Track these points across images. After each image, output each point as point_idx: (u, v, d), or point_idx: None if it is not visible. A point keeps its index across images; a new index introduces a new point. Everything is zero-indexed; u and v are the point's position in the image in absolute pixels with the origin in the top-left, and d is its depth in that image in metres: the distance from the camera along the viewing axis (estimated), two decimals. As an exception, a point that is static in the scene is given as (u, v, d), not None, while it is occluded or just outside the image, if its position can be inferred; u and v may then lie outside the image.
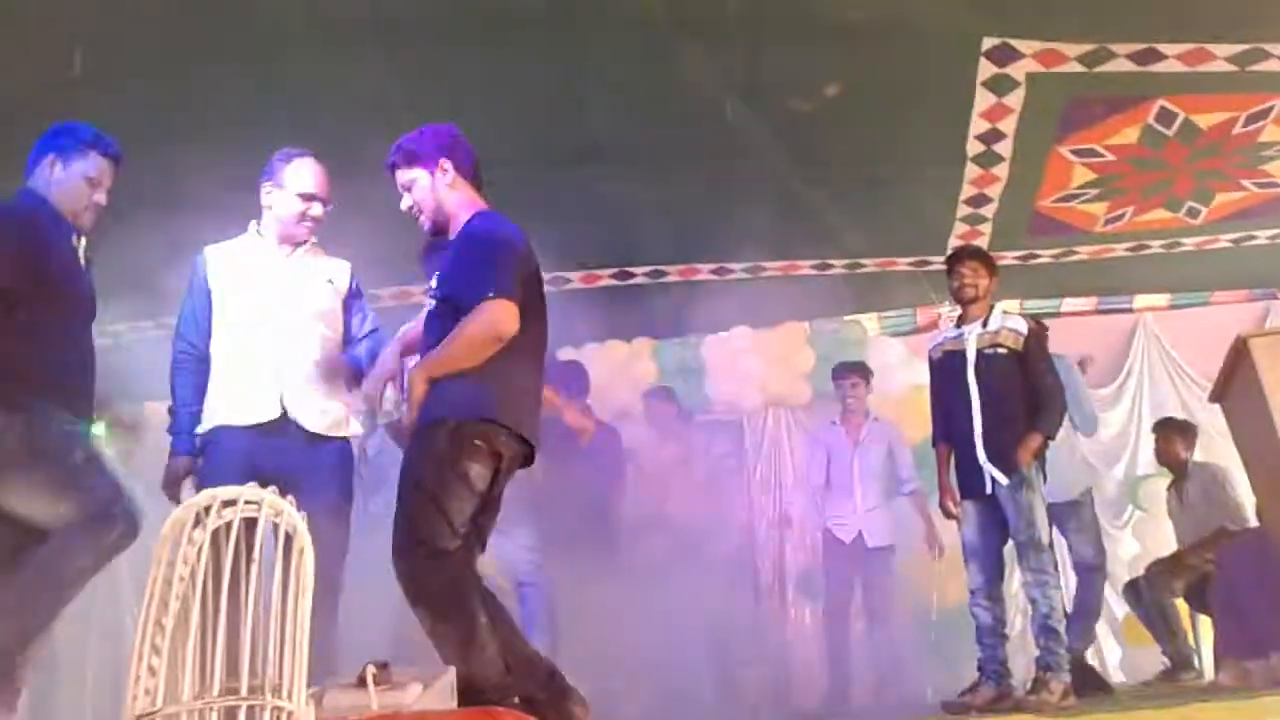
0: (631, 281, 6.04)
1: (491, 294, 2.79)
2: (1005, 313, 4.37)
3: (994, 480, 4.10)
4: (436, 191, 3.02)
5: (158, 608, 0.96)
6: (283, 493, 1.09)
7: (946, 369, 4.36)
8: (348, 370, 3.31)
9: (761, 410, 6.66)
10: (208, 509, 1.00)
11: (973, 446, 4.17)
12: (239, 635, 0.97)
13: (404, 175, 3.03)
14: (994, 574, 4.19)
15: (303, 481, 2.88)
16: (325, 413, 3.28)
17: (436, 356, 2.84)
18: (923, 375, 6.08)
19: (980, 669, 4.12)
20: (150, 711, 0.92)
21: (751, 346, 6.53)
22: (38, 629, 2.68)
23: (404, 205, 3.05)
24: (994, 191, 5.49)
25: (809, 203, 5.48)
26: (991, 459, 4.11)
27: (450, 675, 2.03)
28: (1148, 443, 5.93)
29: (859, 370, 5.79)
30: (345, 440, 3.33)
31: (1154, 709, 3.45)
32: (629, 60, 4.44)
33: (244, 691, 0.94)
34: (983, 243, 5.76)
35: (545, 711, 2.45)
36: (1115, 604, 5.78)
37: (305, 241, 3.40)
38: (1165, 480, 5.60)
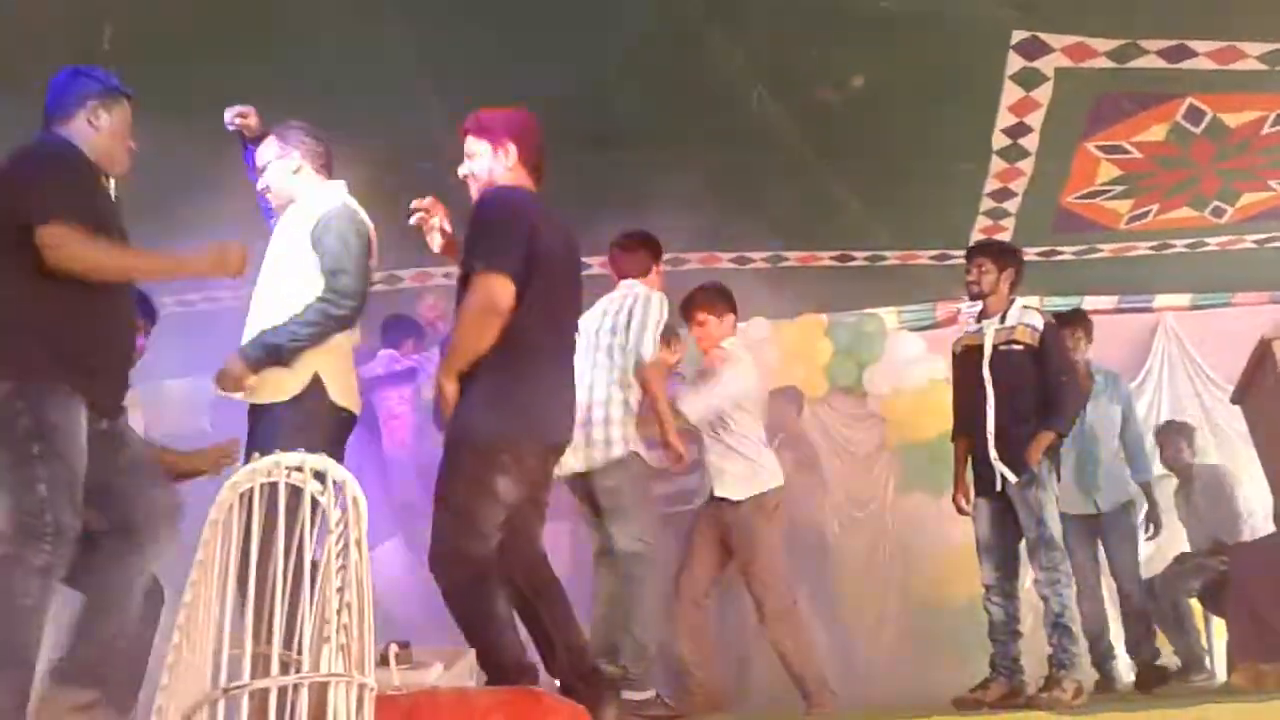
0: (651, 269, 6.02)
1: (481, 266, 2.84)
2: (1025, 308, 4.33)
3: (1004, 478, 4.09)
4: (493, 169, 3.10)
5: (235, 580, 0.96)
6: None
7: (965, 364, 4.35)
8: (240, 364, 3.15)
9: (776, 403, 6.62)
10: (265, 474, 1.00)
11: (985, 443, 4.15)
12: (301, 609, 0.97)
13: (471, 144, 3.13)
14: (1007, 571, 4.18)
15: None
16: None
17: (450, 350, 2.91)
18: (940, 370, 6.10)
19: (992, 665, 4.12)
20: (239, 685, 0.92)
21: (769, 337, 6.50)
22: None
23: (460, 171, 3.14)
24: (1018, 186, 5.47)
25: (832, 194, 5.47)
26: (1003, 456, 4.09)
27: (470, 656, 2.04)
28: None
29: None
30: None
31: (1167, 709, 3.44)
32: (654, 45, 4.43)
33: (330, 666, 0.94)
34: (1004, 237, 5.72)
35: (579, 700, 2.49)
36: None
37: (289, 200, 3.37)
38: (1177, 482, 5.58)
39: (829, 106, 4.85)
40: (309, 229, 3.22)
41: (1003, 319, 4.28)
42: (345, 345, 3.27)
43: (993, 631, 4.14)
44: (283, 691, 0.94)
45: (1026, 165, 5.29)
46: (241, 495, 1.00)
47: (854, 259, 6.14)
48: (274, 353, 3.10)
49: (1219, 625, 5.13)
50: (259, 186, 3.41)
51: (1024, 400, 4.14)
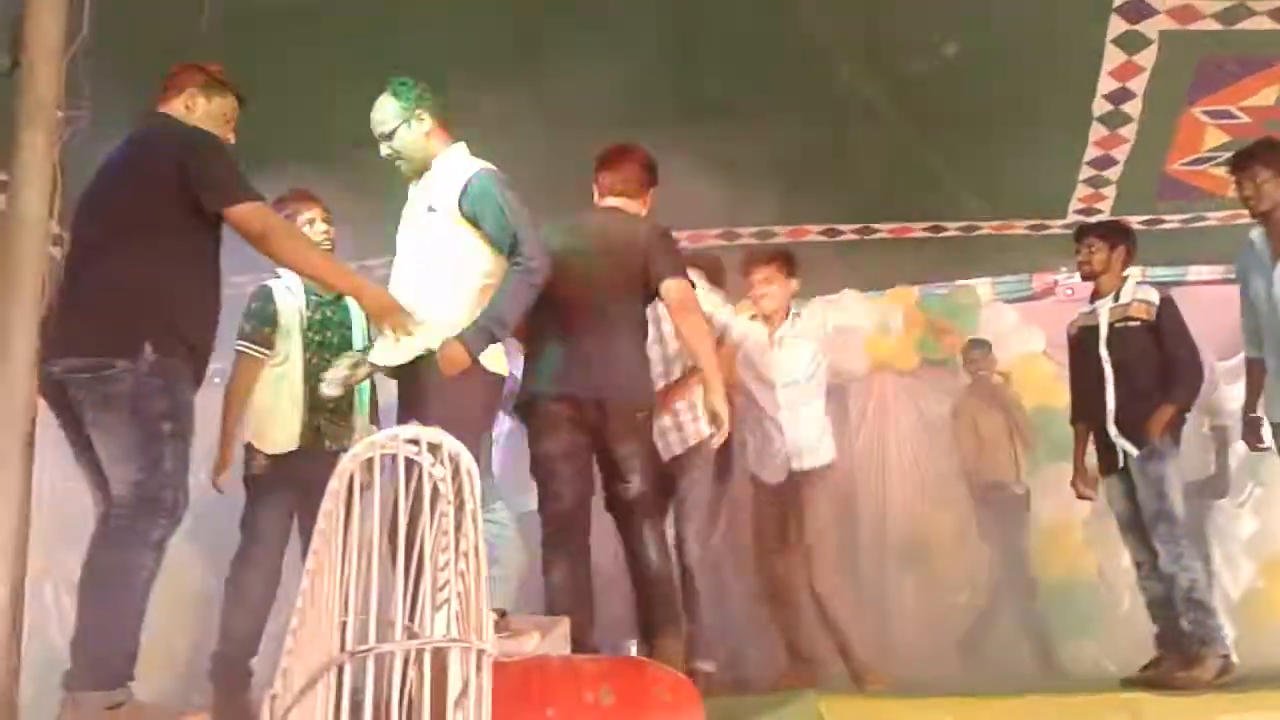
0: (738, 242, 6.00)
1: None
2: (1140, 284, 4.29)
3: (1126, 454, 4.06)
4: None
5: (361, 545, 1.01)
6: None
7: (1082, 345, 4.32)
8: (463, 350, 3.18)
9: (867, 376, 6.57)
10: (383, 447, 1.05)
11: (1106, 421, 4.13)
12: (420, 579, 1.02)
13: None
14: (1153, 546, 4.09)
15: None
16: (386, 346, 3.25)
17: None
18: (1037, 343, 5.99)
19: (1160, 643, 4.05)
20: (365, 648, 0.97)
21: (859, 310, 6.44)
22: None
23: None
24: (1120, 154, 5.31)
25: (925, 164, 5.37)
26: (1125, 433, 4.06)
27: (564, 625, 2.09)
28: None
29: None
30: None
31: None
32: (743, 14, 4.40)
33: (449, 632, 0.99)
34: (1105, 206, 5.59)
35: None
36: (1230, 583, 5.65)
37: (423, 166, 3.37)
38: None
39: (922, 75, 4.76)
40: (454, 198, 3.20)
41: (1116, 297, 4.24)
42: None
43: (1153, 608, 4.08)
44: (405, 657, 0.99)
45: (1129, 131, 5.14)
46: (362, 465, 1.05)
47: (946, 230, 6.03)
48: (492, 337, 3.15)
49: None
50: (383, 153, 3.32)
51: (1144, 376, 4.11)
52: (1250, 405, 4.15)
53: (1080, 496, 4.36)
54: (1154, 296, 4.19)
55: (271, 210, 2.92)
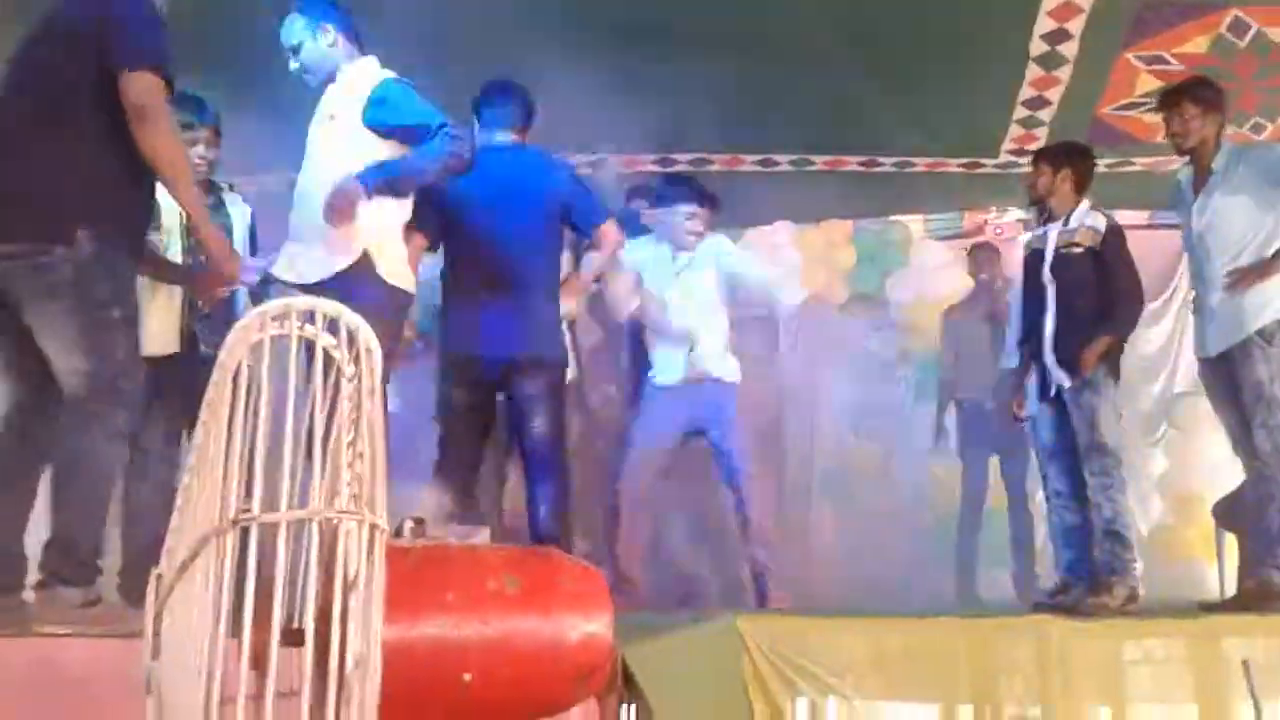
0: (673, 169, 5.95)
1: None
2: (1091, 210, 4.19)
3: (1059, 384, 4.05)
4: None
5: (246, 417, 0.97)
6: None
7: (1029, 268, 4.28)
8: (356, 189, 3.09)
9: (799, 308, 6.60)
10: (275, 319, 1.00)
11: (1043, 347, 4.11)
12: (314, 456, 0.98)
13: None
14: (1075, 476, 4.12)
15: None
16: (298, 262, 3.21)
17: None
18: (965, 280, 6.05)
19: (1070, 570, 4.10)
20: (249, 517, 0.93)
21: (792, 241, 6.46)
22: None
23: None
24: (1054, 95, 5.34)
25: (862, 98, 5.35)
26: (1061, 361, 4.04)
27: (484, 534, 2.06)
28: (1187, 360, 5.86)
29: None
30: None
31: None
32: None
33: (342, 506, 0.95)
34: (1037, 146, 5.62)
35: None
36: (1140, 519, 5.81)
37: (329, 78, 3.32)
38: (1200, 400, 5.52)
39: (863, 8, 4.72)
40: (357, 108, 3.17)
41: (1066, 221, 4.18)
42: (396, 220, 3.25)
43: (1067, 536, 4.13)
44: (295, 533, 0.95)
45: (1063, 73, 5.15)
46: (250, 333, 1.00)
47: (881, 165, 6.04)
48: (394, 183, 3.10)
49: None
50: (292, 67, 3.31)
51: (1084, 304, 4.05)
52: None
53: (1016, 419, 4.36)
54: (1101, 224, 4.13)
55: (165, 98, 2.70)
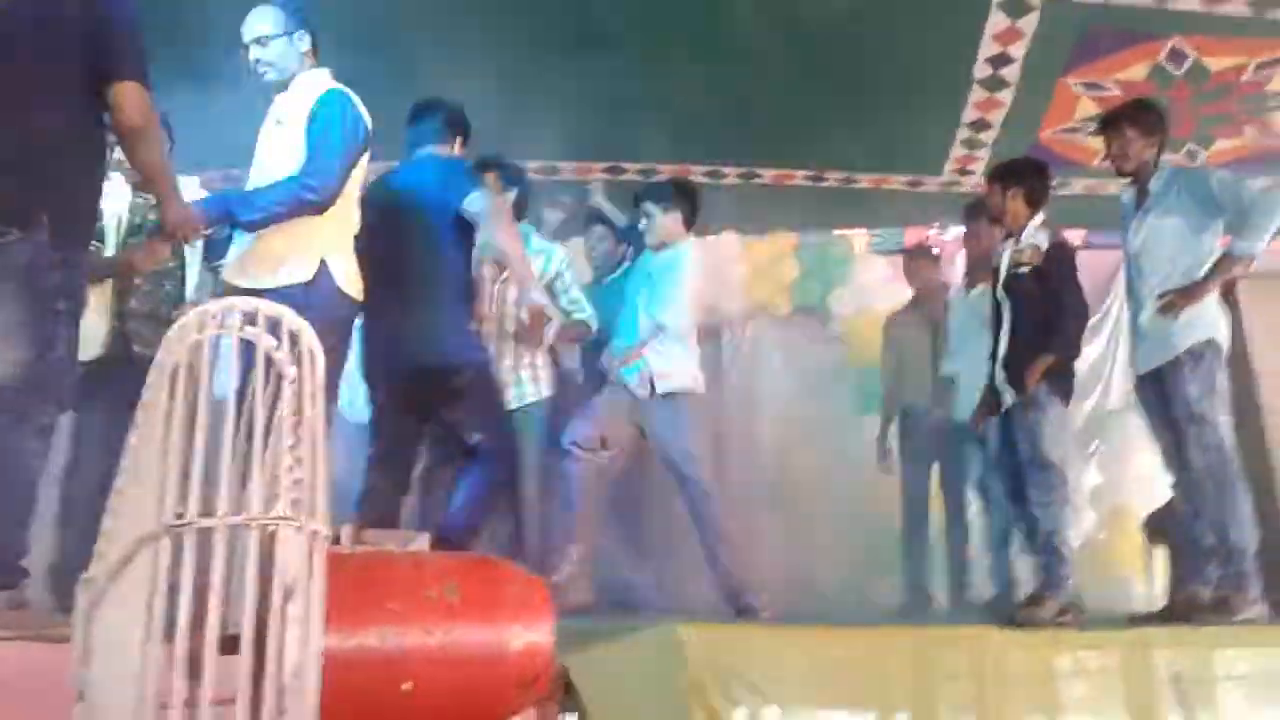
0: (623, 177, 5.96)
1: None
2: (1038, 227, 4.18)
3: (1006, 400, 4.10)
4: None
5: (184, 419, 0.95)
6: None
7: (993, 286, 4.30)
8: (198, 216, 3.05)
9: (741, 319, 6.65)
10: (216, 319, 0.98)
11: (995, 364, 4.15)
12: (252, 461, 0.96)
13: None
14: (1019, 490, 4.11)
15: None
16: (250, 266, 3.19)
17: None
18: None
19: (1006, 582, 4.12)
20: (184, 522, 0.91)
21: (738, 254, 6.49)
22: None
23: None
24: (995, 117, 5.45)
25: (810, 113, 5.40)
26: (1010, 379, 4.06)
27: (424, 539, 2.04)
28: (1120, 378, 5.99)
29: None
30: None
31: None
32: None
33: (281, 511, 0.93)
34: (977, 168, 5.73)
35: None
36: (1073, 532, 5.90)
37: (285, 83, 3.31)
38: (1131, 416, 5.64)
39: (813, 23, 4.78)
40: (303, 116, 3.18)
41: (1017, 241, 4.19)
42: (349, 231, 3.26)
43: (1001, 549, 4.15)
44: (233, 540, 0.93)
45: (1006, 96, 5.27)
46: (190, 334, 0.98)
47: (826, 180, 6.10)
48: (230, 217, 3.09)
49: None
50: (252, 57, 3.27)
51: (1030, 322, 4.06)
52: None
53: (978, 435, 4.41)
54: (1044, 241, 4.11)
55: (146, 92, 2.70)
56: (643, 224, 4.55)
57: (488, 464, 3.67)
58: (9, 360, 2.49)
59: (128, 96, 2.62)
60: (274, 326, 1.00)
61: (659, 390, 4.32)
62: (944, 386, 5.15)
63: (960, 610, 4.90)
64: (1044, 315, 4.05)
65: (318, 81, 3.29)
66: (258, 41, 3.26)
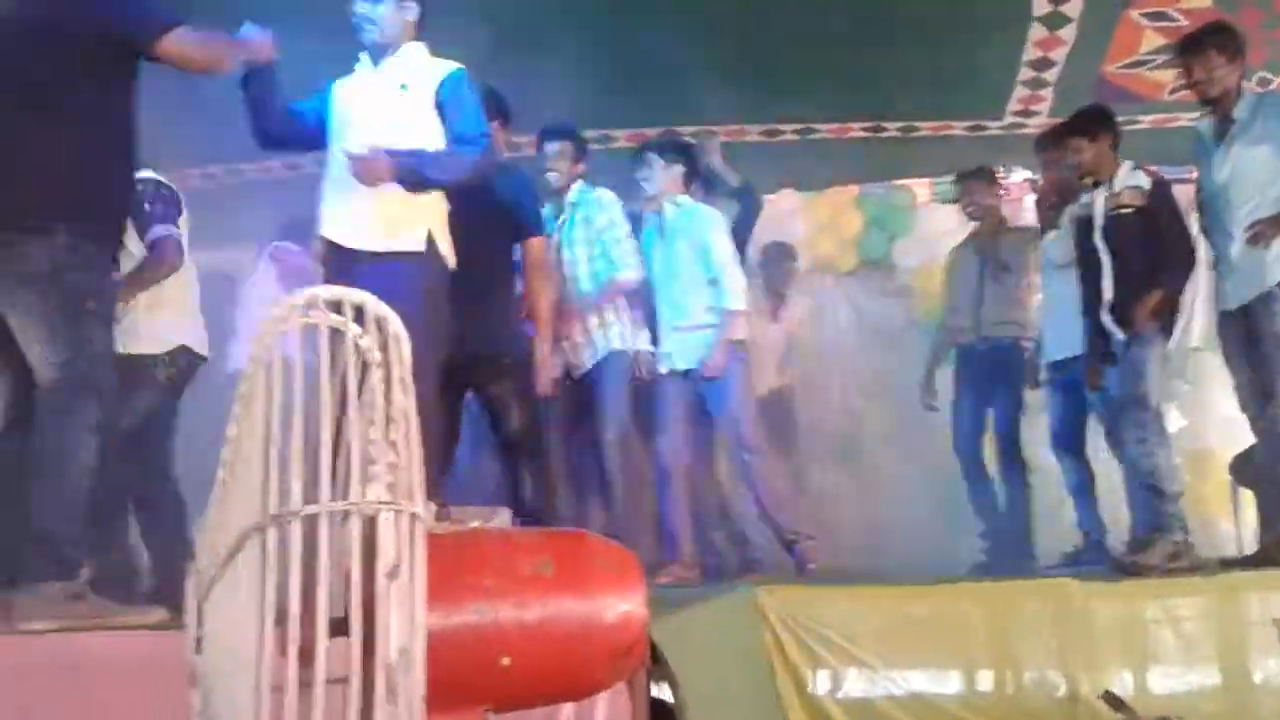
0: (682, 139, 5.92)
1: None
2: (1133, 169, 4.21)
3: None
4: None
5: (280, 409, 0.97)
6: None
7: (1079, 236, 4.30)
8: (389, 166, 3.11)
9: (805, 276, 6.59)
10: (303, 309, 0.99)
11: (1100, 310, 4.14)
12: (348, 448, 0.98)
13: None
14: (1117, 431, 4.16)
15: None
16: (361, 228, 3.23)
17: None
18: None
19: (1157, 526, 4.08)
20: (291, 511, 0.94)
21: (798, 209, 6.43)
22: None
23: None
24: (1058, 55, 5.31)
25: (864, 63, 5.32)
26: (1118, 320, 4.06)
27: (505, 514, 2.07)
28: (1201, 315, 5.82)
29: None
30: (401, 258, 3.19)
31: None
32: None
33: (380, 496, 0.95)
34: (1043, 108, 5.62)
35: None
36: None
37: (390, 46, 3.35)
38: (1214, 355, 5.49)
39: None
40: (432, 85, 3.26)
41: (1110, 185, 4.18)
42: (445, 208, 3.34)
43: (1151, 497, 4.02)
44: (335, 525, 0.96)
45: (1068, 33, 5.12)
46: (278, 325, 1.00)
47: (886, 130, 6.01)
48: (423, 181, 3.15)
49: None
50: (358, 10, 3.30)
51: (1139, 262, 4.06)
52: None
53: (1093, 388, 4.36)
54: (1146, 182, 4.14)
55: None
56: (642, 174, 4.62)
57: (530, 447, 3.93)
58: (49, 362, 2.56)
59: (176, 46, 2.68)
60: (358, 312, 1.02)
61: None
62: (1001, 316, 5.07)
63: (1036, 560, 4.83)
64: (1151, 254, 4.02)
65: (428, 55, 3.37)
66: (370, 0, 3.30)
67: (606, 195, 4.53)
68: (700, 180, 5.07)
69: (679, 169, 4.65)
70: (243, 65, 3.16)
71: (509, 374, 3.92)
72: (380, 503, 0.94)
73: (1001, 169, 6.23)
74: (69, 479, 2.54)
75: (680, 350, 4.51)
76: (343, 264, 3.18)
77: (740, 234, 4.95)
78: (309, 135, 3.40)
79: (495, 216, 3.84)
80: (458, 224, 3.44)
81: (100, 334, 2.64)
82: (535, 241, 4.09)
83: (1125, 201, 4.10)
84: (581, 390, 4.42)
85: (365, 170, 3.05)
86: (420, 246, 3.17)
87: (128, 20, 2.69)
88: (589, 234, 4.43)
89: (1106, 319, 4.10)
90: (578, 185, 4.51)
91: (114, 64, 2.70)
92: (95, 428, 2.56)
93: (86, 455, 2.55)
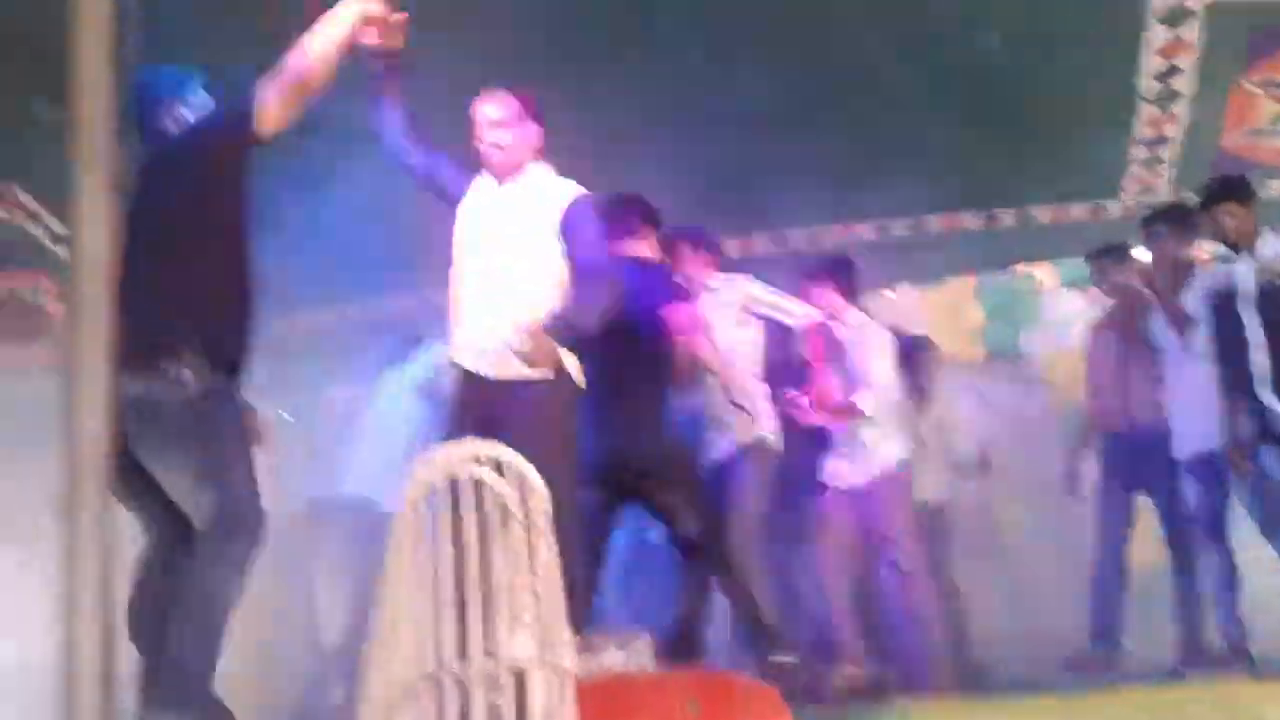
0: (790, 246, 5.97)
1: None
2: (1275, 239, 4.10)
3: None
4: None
5: (430, 563, 1.01)
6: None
7: (1219, 312, 4.17)
8: (553, 351, 3.13)
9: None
10: (448, 464, 1.04)
11: (1251, 383, 4.00)
12: (494, 601, 1.01)
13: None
14: None
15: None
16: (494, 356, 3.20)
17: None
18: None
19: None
20: (441, 670, 0.97)
21: (917, 303, 6.37)
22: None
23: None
24: (1172, 131, 5.21)
25: (972, 157, 5.31)
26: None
27: (645, 639, 2.06)
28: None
29: None
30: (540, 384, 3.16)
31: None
32: (781, 16, 4.37)
33: (526, 651, 0.98)
34: (1160, 184, 5.49)
35: None
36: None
37: (516, 169, 3.35)
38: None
39: (963, 66, 4.71)
40: (554, 215, 3.26)
41: (1255, 255, 4.07)
42: None
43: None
44: (488, 680, 0.98)
45: (1180, 108, 5.04)
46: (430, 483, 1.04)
47: (1000, 220, 5.94)
48: (574, 339, 3.16)
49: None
50: (489, 139, 3.31)
51: None
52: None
53: (1238, 471, 4.17)
54: None
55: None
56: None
57: (700, 563, 3.83)
58: (201, 505, 2.58)
59: (261, 108, 2.71)
60: (498, 467, 1.06)
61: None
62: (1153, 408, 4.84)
63: (1194, 661, 4.53)
64: None
65: (553, 178, 3.38)
66: (498, 126, 3.31)
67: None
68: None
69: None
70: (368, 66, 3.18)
71: (672, 474, 3.87)
72: (530, 659, 0.97)
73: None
74: (209, 614, 2.55)
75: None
76: (473, 390, 3.21)
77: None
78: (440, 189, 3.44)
79: (643, 324, 3.87)
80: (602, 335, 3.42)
81: (241, 469, 2.66)
82: (674, 308, 4.07)
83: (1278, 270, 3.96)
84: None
85: (535, 359, 3.05)
86: (550, 374, 3.14)
87: (233, 125, 2.76)
88: None
89: (1267, 398, 3.92)
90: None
91: (229, 169, 2.77)
92: (243, 567, 2.59)
93: (232, 595, 2.58)
